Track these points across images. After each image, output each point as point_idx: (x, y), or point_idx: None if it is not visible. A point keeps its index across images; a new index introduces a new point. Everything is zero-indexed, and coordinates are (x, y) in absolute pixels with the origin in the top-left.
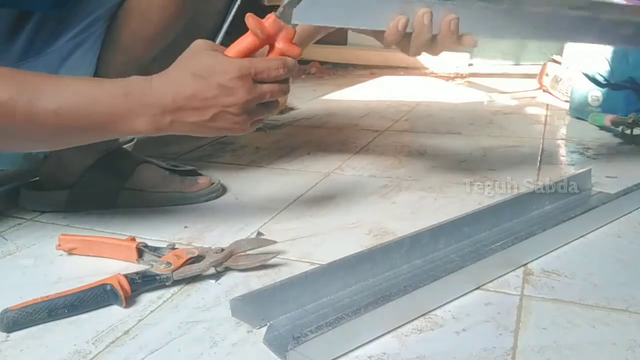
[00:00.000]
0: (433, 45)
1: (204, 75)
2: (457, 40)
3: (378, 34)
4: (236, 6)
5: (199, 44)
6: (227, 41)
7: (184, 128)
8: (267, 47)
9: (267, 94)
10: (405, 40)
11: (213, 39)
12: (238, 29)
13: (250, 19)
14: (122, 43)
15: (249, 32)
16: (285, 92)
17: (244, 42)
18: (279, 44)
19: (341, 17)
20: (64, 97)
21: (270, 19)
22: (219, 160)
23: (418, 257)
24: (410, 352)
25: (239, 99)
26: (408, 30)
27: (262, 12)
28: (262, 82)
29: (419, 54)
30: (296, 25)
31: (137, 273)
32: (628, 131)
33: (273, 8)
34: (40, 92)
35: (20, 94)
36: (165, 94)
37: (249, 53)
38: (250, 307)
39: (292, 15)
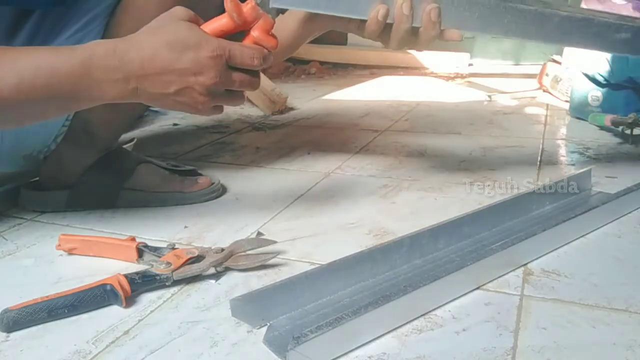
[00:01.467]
0: (415, 38)
1: (177, 48)
2: (439, 33)
3: (360, 27)
4: None
5: (178, 10)
6: None
7: (146, 98)
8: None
9: (237, 82)
10: (386, 33)
11: None
12: None
13: (228, 1)
14: None
15: (225, 14)
16: (254, 86)
17: (219, 22)
18: (255, 32)
19: (320, 3)
20: (22, 70)
21: (249, 5)
22: (219, 160)
23: (418, 257)
24: (410, 352)
25: (207, 79)
26: (389, 20)
27: None
28: (234, 68)
29: (402, 47)
30: (276, 16)
31: (137, 273)
32: (628, 131)
33: None
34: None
35: None
36: (132, 59)
37: (222, 35)
38: (250, 307)
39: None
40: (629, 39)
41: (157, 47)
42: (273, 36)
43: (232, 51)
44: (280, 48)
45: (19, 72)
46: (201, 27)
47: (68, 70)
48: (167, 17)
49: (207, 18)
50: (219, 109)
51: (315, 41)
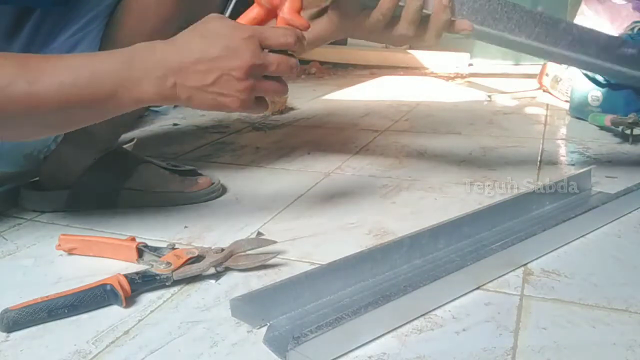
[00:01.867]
0: (424, 29)
1: (210, 36)
2: (450, 21)
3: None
4: (232, 4)
5: (210, 15)
6: None
7: (186, 93)
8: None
9: (274, 64)
10: (388, 31)
11: None
12: None
13: None
14: (121, 40)
15: (254, 4)
16: (293, 68)
17: (250, 13)
18: (284, 14)
19: None
20: (64, 74)
21: None
22: (219, 160)
23: (418, 257)
24: (410, 352)
25: (243, 61)
26: (401, 3)
27: None
28: (270, 49)
29: (409, 37)
30: None
31: (137, 273)
32: (628, 131)
33: None
34: (40, 72)
35: (18, 77)
36: (170, 56)
37: (256, 24)
38: (250, 307)
39: None
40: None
41: (191, 40)
42: (301, 16)
43: (264, 33)
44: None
45: (59, 76)
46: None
47: (108, 70)
48: (200, 21)
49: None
50: (263, 104)
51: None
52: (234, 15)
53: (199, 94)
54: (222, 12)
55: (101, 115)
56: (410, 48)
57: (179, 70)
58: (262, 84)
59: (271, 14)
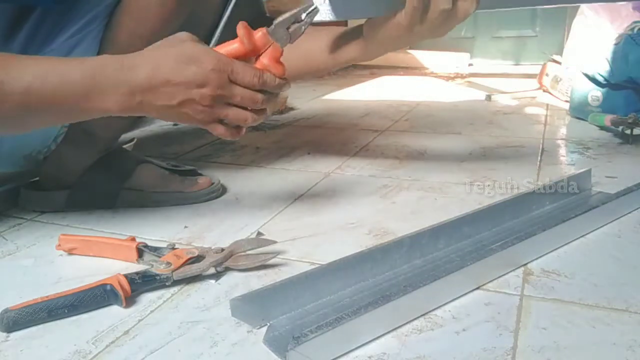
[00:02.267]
0: (427, 12)
1: (182, 61)
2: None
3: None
4: (232, 4)
5: (184, 34)
6: (226, 38)
7: (150, 110)
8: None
9: (237, 96)
10: (422, 21)
11: (211, 36)
12: (235, 30)
13: (241, 27)
14: (120, 41)
15: (237, 38)
16: (257, 102)
17: (230, 46)
18: (264, 59)
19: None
20: (32, 77)
21: (260, 33)
22: (219, 160)
23: (418, 257)
24: (410, 352)
25: (209, 90)
26: None
27: (268, 21)
28: (236, 83)
29: (447, 11)
30: (286, 45)
31: (137, 273)
32: (628, 131)
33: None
34: (9, 71)
35: None
36: (138, 73)
37: (232, 57)
38: (250, 307)
39: (284, 34)
40: None
41: (162, 60)
42: (281, 64)
43: (235, 67)
44: (300, 71)
45: (27, 79)
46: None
47: (77, 80)
48: (173, 38)
49: (207, 20)
50: (224, 127)
51: None
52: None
53: (165, 111)
54: (222, 13)
55: (65, 119)
56: (420, 31)
57: (147, 89)
58: (226, 111)
59: (251, 53)
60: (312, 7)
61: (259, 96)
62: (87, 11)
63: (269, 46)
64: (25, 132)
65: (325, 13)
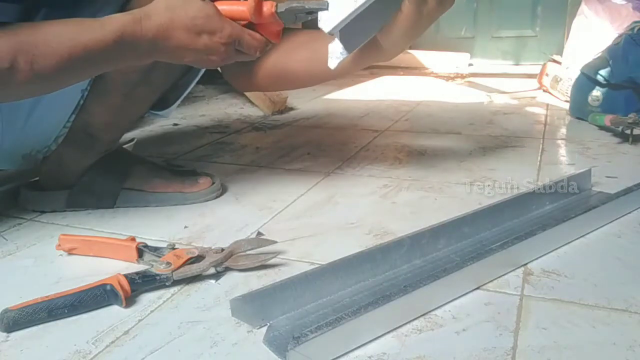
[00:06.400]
0: None
1: (195, 31)
2: None
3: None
4: None
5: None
6: None
7: (161, 59)
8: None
9: (238, 59)
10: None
11: None
12: None
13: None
14: None
15: (246, 6)
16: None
17: (237, 9)
18: (265, 30)
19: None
20: (58, 49)
21: (268, 10)
22: (219, 160)
23: (418, 257)
24: (410, 352)
25: (217, 58)
26: None
27: None
28: (241, 51)
29: (419, 2)
30: (295, 22)
31: (137, 273)
32: (628, 131)
33: None
34: (45, 36)
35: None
36: (157, 39)
37: (233, 19)
38: (250, 307)
39: (290, 17)
40: None
41: (175, 26)
42: (279, 37)
43: (242, 40)
44: (326, 76)
45: (57, 53)
46: (217, 3)
47: (102, 48)
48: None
49: None
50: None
51: None
52: None
53: (173, 62)
54: None
55: (88, 78)
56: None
57: (163, 52)
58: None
59: (252, 22)
60: (324, 4)
61: (255, 57)
62: (100, 7)
63: (272, 21)
64: (56, 90)
65: (338, 53)
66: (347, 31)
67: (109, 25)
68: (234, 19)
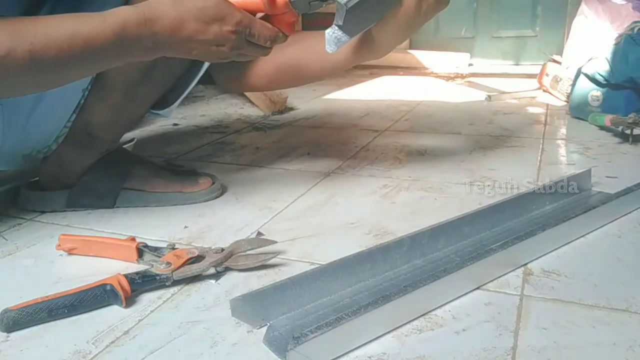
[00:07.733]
0: None
1: (204, 20)
2: None
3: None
4: None
5: None
6: None
7: (168, 54)
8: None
9: (248, 52)
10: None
11: None
12: None
13: None
14: None
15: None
16: (264, 55)
17: (250, 0)
18: (278, 21)
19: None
20: (58, 41)
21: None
22: (219, 160)
23: (418, 257)
24: (410, 352)
25: (227, 49)
26: None
27: None
28: (251, 42)
29: None
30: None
31: (137, 273)
32: (628, 131)
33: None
34: (44, 28)
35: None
36: (162, 28)
37: (247, 10)
38: (250, 307)
39: (304, 6)
40: None
41: (185, 17)
42: (293, 28)
43: (252, 30)
44: (325, 71)
45: (56, 44)
46: None
47: (103, 40)
48: None
49: None
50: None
51: None
52: None
53: (181, 55)
54: None
55: (92, 74)
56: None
57: (169, 44)
58: (234, 55)
59: (268, 13)
60: None
61: (267, 51)
62: (101, 5)
63: (285, 12)
64: (56, 87)
65: (340, 36)
66: (350, 17)
67: (110, 19)
68: (248, 11)
